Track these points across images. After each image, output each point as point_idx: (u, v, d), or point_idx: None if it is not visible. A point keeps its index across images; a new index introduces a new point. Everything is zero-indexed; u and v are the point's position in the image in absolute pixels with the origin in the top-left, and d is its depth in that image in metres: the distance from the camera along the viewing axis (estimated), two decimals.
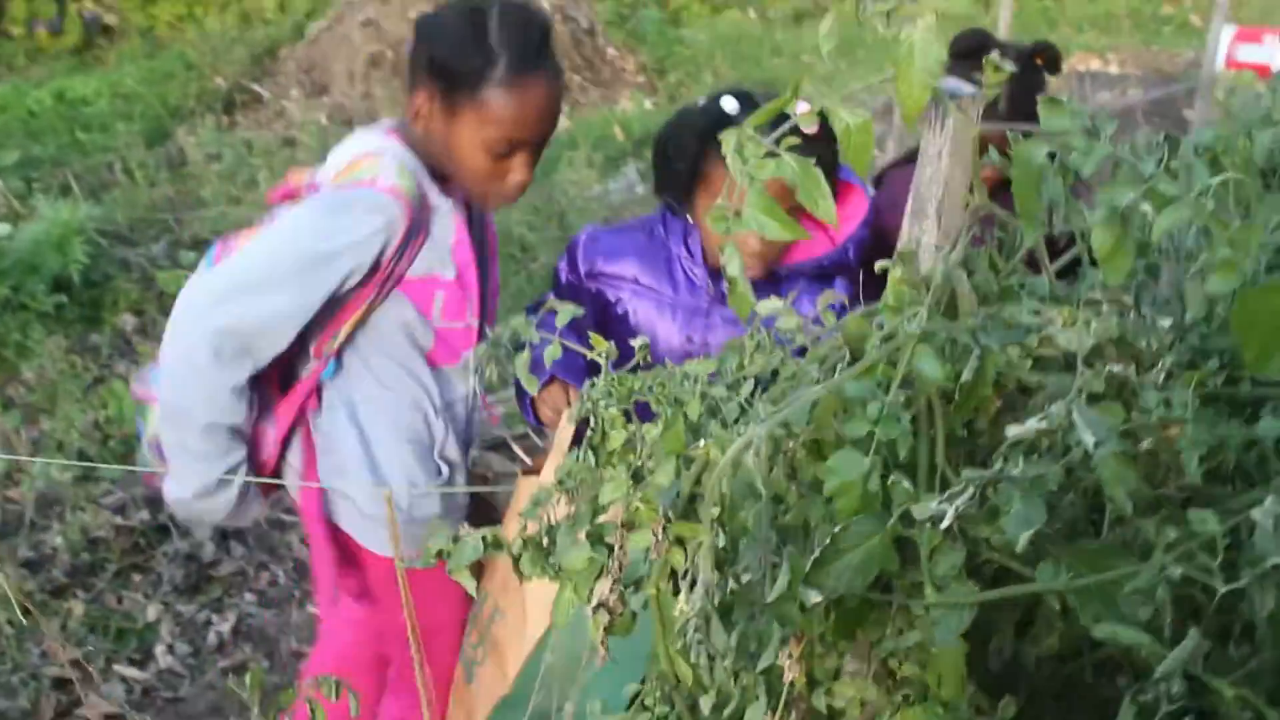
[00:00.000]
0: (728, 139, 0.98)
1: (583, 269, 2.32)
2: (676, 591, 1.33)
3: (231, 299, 1.80)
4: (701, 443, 1.20)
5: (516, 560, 1.43)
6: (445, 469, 2.04)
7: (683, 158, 2.18)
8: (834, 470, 1.07)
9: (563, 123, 7.57)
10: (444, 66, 1.87)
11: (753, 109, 2.14)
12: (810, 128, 0.94)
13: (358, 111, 7.02)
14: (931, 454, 1.11)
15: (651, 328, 2.28)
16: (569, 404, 1.98)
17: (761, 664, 1.05)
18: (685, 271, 2.28)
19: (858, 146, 0.99)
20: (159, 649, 3.35)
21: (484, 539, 1.39)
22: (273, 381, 1.97)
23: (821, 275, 2.30)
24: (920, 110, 0.93)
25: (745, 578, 1.03)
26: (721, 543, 1.08)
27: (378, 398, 1.99)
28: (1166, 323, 1.16)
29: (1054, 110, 1.05)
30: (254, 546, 3.78)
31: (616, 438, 1.15)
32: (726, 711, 1.12)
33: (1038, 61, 2.61)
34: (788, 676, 1.10)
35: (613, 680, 1.89)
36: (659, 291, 2.28)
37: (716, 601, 1.05)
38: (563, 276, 2.35)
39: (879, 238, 2.39)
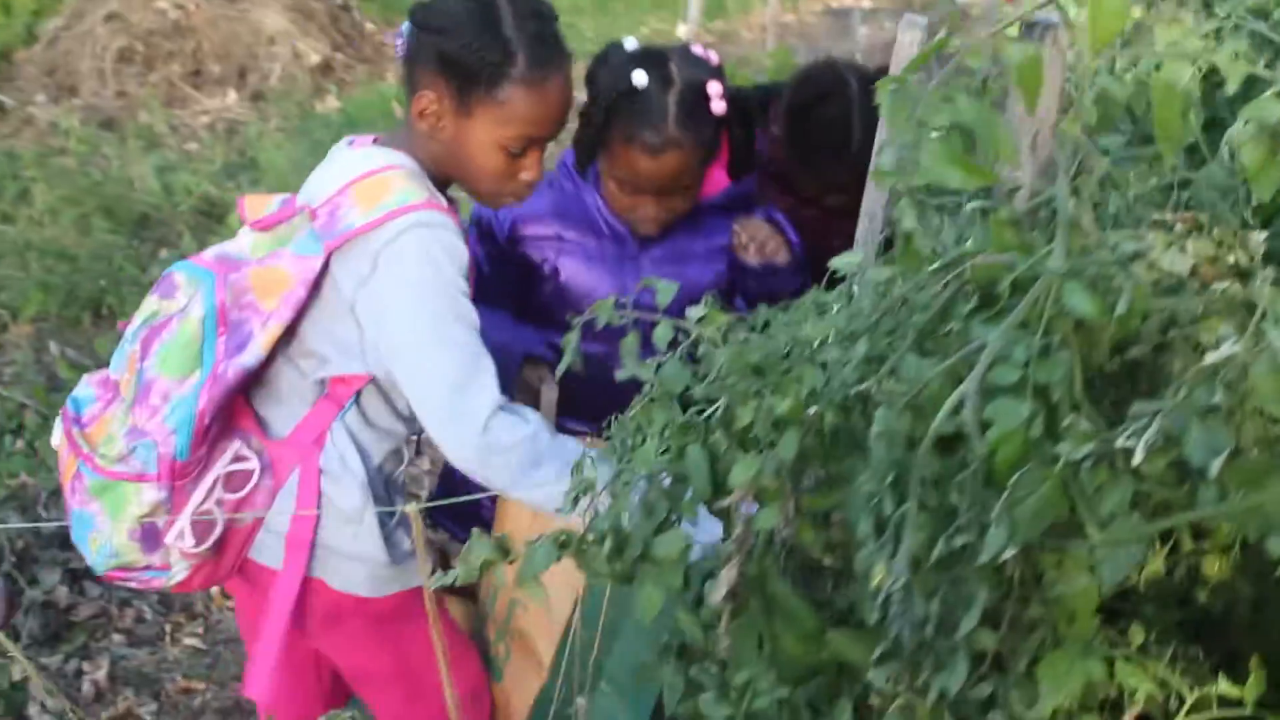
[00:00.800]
0: (884, 90, 0.92)
1: (501, 236, 2.29)
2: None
3: (460, 391, 1.71)
4: (812, 410, 1.15)
5: (581, 556, 1.35)
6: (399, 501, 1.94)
7: (590, 124, 2.20)
8: (994, 419, 1.04)
9: (332, 103, 7.32)
10: (456, 62, 1.76)
11: (662, 71, 2.14)
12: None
13: (113, 111, 6.59)
14: (1071, 393, 1.09)
15: (582, 281, 2.26)
16: (544, 379, 1.95)
17: (961, 630, 1.01)
18: (606, 220, 2.27)
19: (1028, 79, 0.95)
20: (32, 710, 3.08)
21: (559, 541, 1.30)
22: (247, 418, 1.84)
23: (729, 207, 2.33)
24: (1111, 37, 0.90)
25: (956, 541, 0.98)
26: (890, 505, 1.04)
27: (369, 433, 1.88)
28: (1260, 235, 1.17)
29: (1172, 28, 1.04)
30: (109, 584, 3.52)
31: (746, 413, 1.08)
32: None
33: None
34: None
35: (639, 642, 1.87)
36: (584, 244, 2.27)
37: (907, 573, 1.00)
38: (474, 250, 2.25)
39: (780, 171, 2.40)
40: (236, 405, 1.81)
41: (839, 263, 1.23)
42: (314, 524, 1.82)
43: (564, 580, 2.10)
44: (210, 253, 1.83)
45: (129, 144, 5.82)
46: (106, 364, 1.89)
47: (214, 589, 3.36)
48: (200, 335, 1.70)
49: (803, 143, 2.40)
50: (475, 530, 1.41)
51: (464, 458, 1.71)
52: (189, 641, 3.37)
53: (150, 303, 1.79)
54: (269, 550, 1.87)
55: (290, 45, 7.33)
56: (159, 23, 7.07)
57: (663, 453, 1.32)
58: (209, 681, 3.21)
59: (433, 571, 2.01)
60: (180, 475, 1.72)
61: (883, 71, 2.32)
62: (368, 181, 1.77)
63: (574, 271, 2.26)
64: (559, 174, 2.32)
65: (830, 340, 1.14)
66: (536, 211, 2.27)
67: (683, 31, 7.76)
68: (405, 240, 1.72)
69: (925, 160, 0.93)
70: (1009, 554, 1.00)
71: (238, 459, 1.79)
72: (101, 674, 3.20)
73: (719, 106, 2.14)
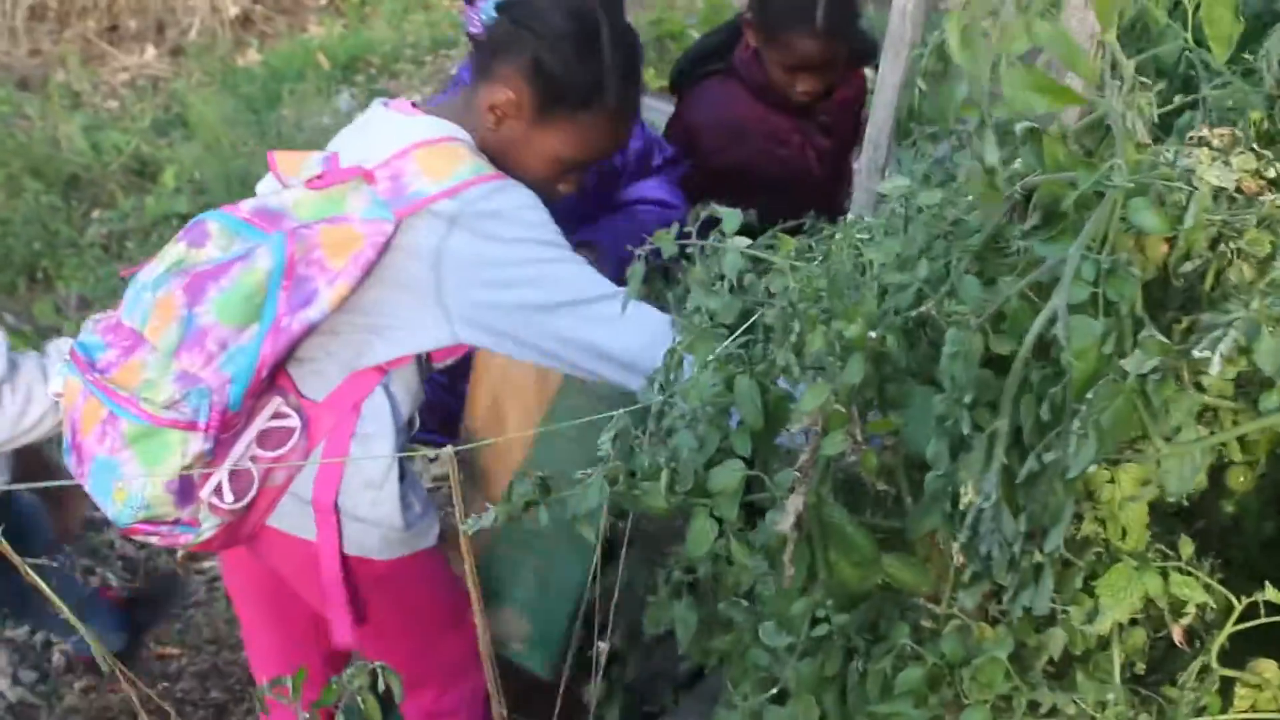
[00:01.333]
0: (954, 23, 0.91)
1: None
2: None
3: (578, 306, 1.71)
4: (873, 334, 1.15)
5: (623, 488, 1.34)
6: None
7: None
8: (1072, 334, 1.04)
9: (254, 56, 7.16)
10: (549, 75, 1.76)
11: None
12: None
13: (27, 70, 6.39)
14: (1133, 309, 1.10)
15: None
16: None
17: (1049, 544, 1.02)
18: None
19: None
20: (1, 684, 3.02)
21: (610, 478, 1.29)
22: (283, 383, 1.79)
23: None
24: None
25: (1046, 457, 0.99)
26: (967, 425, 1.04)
27: (404, 396, 1.86)
28: None
29: None
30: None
31: (815, 341, 1.07)
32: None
33: None
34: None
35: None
36: None
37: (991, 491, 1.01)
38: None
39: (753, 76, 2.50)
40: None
41: (888, 187, 1.22)
42: (337, 488, 1.80)
43: (521, 419, 2.25)
44: (248, 205, 1.76)
45: (53, 103, 5.65)
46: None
47: (179, 551, 3.32)
48: (265, 287, 1.65)
49: (770, 21, 2.54)
50: (517, 472, 1.40)
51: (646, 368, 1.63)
52: None
53: (175, 250, 1.73)
54: (289, 515, 1.84)
55: None
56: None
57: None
58: (183, 646, 3.17)
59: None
60: (228, 427, 1.67)
61: None
62: (432, 149, 1.74)
63: None
64: None
65: (887, 265, 1.14)
66: None
67: None
68: (499, 197, 1.72)
69: (1007, 87, 0.92)
70: (1093, 467, 1.01)
71: (278, 415, 1.74)
72: (70, 645, 3.14)
73: None
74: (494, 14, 1.81)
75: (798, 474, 1.17)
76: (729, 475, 1.24)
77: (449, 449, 1.41)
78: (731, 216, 1.23)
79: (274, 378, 1.75)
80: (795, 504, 1.16)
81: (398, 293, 1.75)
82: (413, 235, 1.71)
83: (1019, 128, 1.19)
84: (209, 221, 1.73)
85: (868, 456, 1.16)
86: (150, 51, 6.82)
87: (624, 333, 1.66)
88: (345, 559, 1.86)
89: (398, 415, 1.84)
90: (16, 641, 3.15)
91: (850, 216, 1.77)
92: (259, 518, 1.82)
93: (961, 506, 1.02)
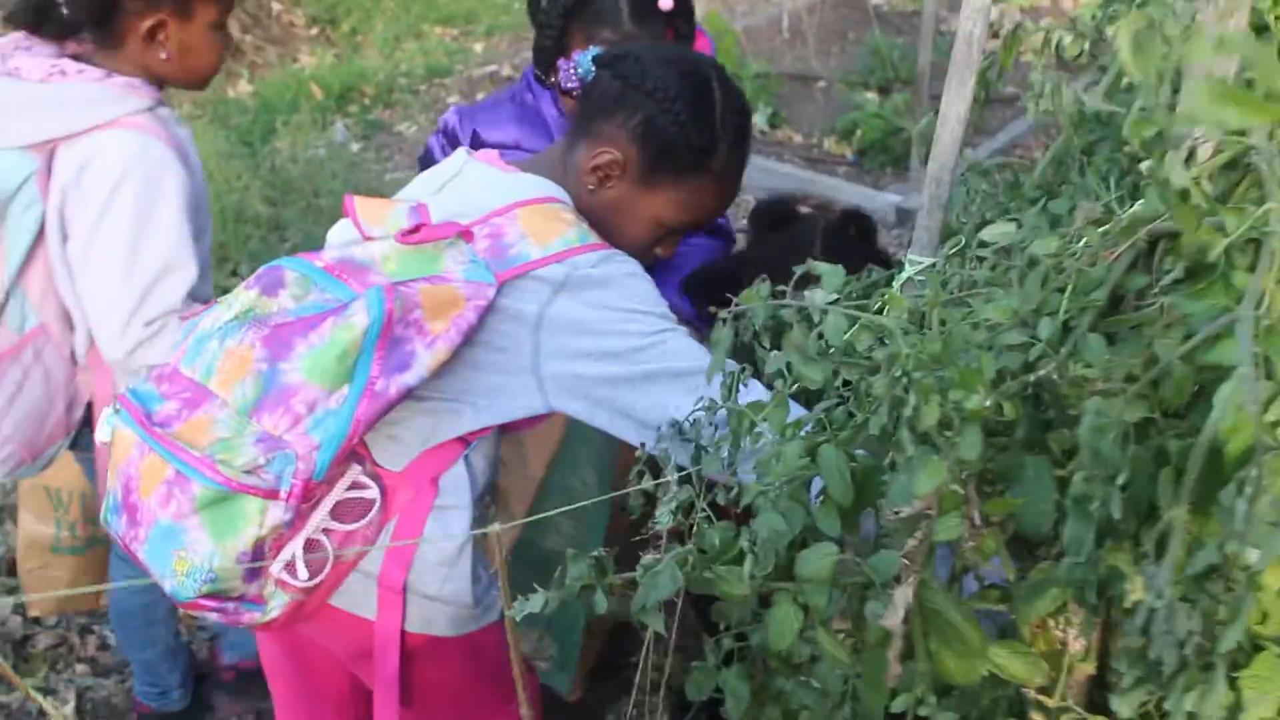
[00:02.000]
0: (1125, 28, 0.79)
1: (464, 141, 2.36)
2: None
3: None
4: (988, 402, 1.02)
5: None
6: None
7: (548, 33, 2.30)
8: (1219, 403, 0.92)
9: (245, 87, 7.03)
10: (660, 136, 1.66)
11: None
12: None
13: None
14: None
15: None
16: None
17: (1226, 644, 0.88)
18: (560, 134, 2.32)
19: None
20: None
21: (684, 566, 1.15)
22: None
23: None
24: None
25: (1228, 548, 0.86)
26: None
27: (482, 467, 1.73)
28: None
29: None
30: (67, 610, 3.29)
31: (930, 413, 0.94)
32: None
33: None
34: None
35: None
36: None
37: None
38: (435, 153, 2.38)
39: None
40: None
41: (992, 234, 1.10)
42: (409, 566, 1.65)
43: (540, 439, 2.27)
44: (331, 255, 1.60)
45: None
46: None
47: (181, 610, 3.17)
48: (360, 346, 1.48)
49: None
50: (570, 552, 1.27)
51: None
52: None
53: (245, 297, 1.57)
54: (351, 593, 1.68)
55: None
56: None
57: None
58: None
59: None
60: (309, 496, 1.51)
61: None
62: (535, 210, 1.63)
63: None
64: (521, 85, 2.42)
65: (1005, 324, 1.01)
66: (498, 120, 2.37)
67: None
68: (606, 266, 1.60)
69: (1190, 100, 0.80)
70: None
71: (356, 485, 1.58)
72: (69, 709, 2.99)
73: (667, 3, 2.25)
74: (593, 68, 1.72)
75: (905, 561, 1.04)
76: (821, 560, 1.10)
77: (496, 527, 1.27)
78: (832, 274, 1.10)
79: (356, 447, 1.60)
80: (904, 597, 1.03)
81: (491, 358, 1.60)
82: (514, 299, 1.58)
83: (1145, 166, 1.07)
84: (284, 269, 1.58)
85: (987, 541, 1.03)
86: None
87: None
88: (404, 637, 1.71)
89: (474, 487, 1.69)
90: (11, 707, 2.99)
91: (910, 255, 1.65)
92: (324, 595, 1.65)
93: (1127, 605, 0.88)
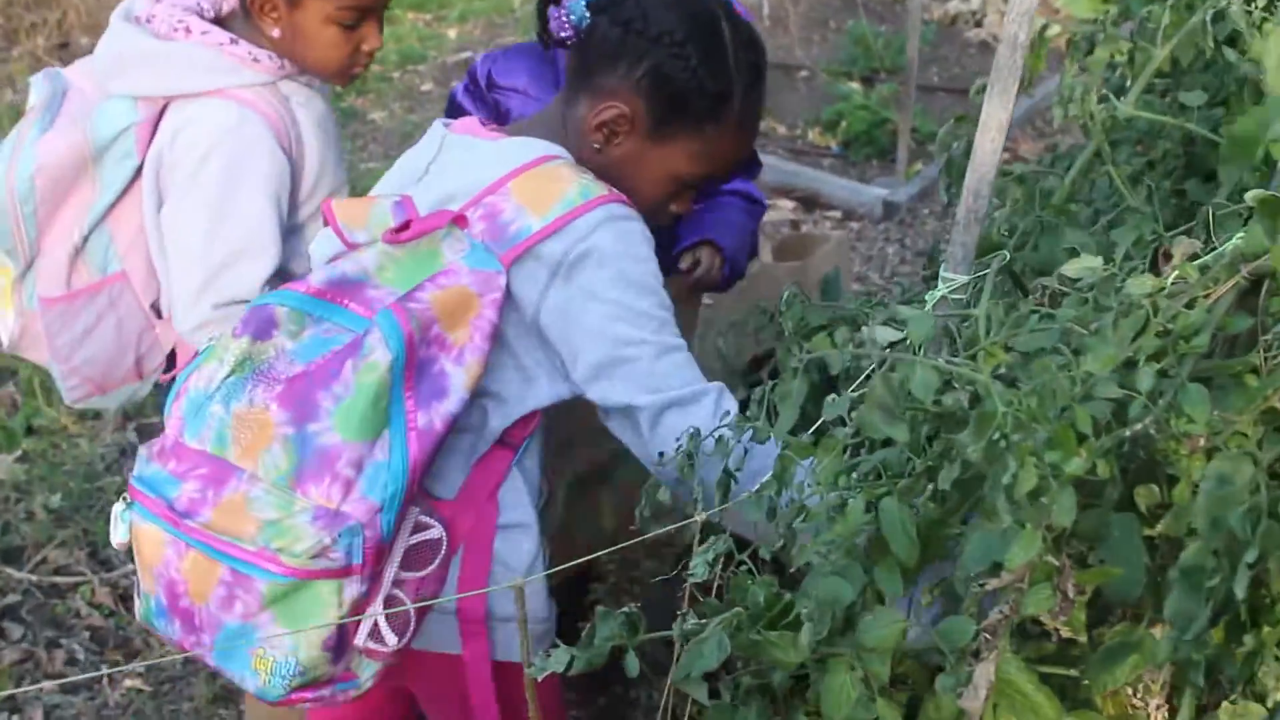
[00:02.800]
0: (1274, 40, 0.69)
1: (481, 82, 2.37)
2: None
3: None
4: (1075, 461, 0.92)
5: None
6: None
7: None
8: None
9: None
10: (670, 84, 1.53)
11: None
12: None
13: None
14: None
15: None
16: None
17: None
18: None
19: None
20: None
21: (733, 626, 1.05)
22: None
23: None
24: None
25: None
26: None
27: (536, 471, 1.62)
28: None
29: None
30: (34, 622, 3.16)
31: (1028, 478, 0.84)
32: None
33: None
34: None
35: None
36: (545, 102, 2.17)
37: None
38: (458, 96, 2.39)
39: None
40: None
41: (1074, 269, 0.99)
42: (485, 594, 1.53)
43: None
44: (319, 277, 1.46)
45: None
46: None
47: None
48: (389, 384, 1.35)
49: None
50: (600, 609, 1.17)
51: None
52: (130, 683, 3.03)
53: (236, 346, 1.42)
54: (431, 633, 1.55)
55: None
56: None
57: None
58: None
59: None
60: (382, 558, 1.38)
61: None
62: (529, 175, 1.50)
63: None
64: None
65: (1105, 376, 0.90)
66: (512, 65, 2.35)
67: None
68: (601, 235, 1.46)
69: None
70: None
71: (418, 528, 1.45)
72: None
73: None
74: (587, 14, 1.57)
75: (986, 636, 0.94)
76: (887, 628, 1.00)
77: (520, 580, 1.16)
78: (923, 322, 0.99)
79: None
80: (986, 675, 0.93)
81: (510, 352, 1.50)
82: (519, 284, 1.47)
83: (1250, 196, 0.97)
84: (273, 307, 1.44)
85: (1077, 615, 0.93)
86: None
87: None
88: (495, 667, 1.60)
89: (534, 492, 1.58)
90: None
91: (944, 272, 1.55)
92: (407, 645, 1.51)
93: (1269, 706, 0.78)
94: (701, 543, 1.07)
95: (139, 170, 1.98)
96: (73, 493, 3.49)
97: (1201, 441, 0.92)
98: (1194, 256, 0.97)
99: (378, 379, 1.35)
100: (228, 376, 1.40)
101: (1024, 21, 1.49)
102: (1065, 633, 1.00)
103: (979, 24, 6.66)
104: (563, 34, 1.61)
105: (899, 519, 1.02)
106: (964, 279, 1.50)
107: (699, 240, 2.33)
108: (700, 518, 1.19)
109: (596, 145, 1.58)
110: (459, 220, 1.47)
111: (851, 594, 1.03)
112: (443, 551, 1.47)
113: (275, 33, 1.96)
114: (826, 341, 0.99)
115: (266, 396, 1.37)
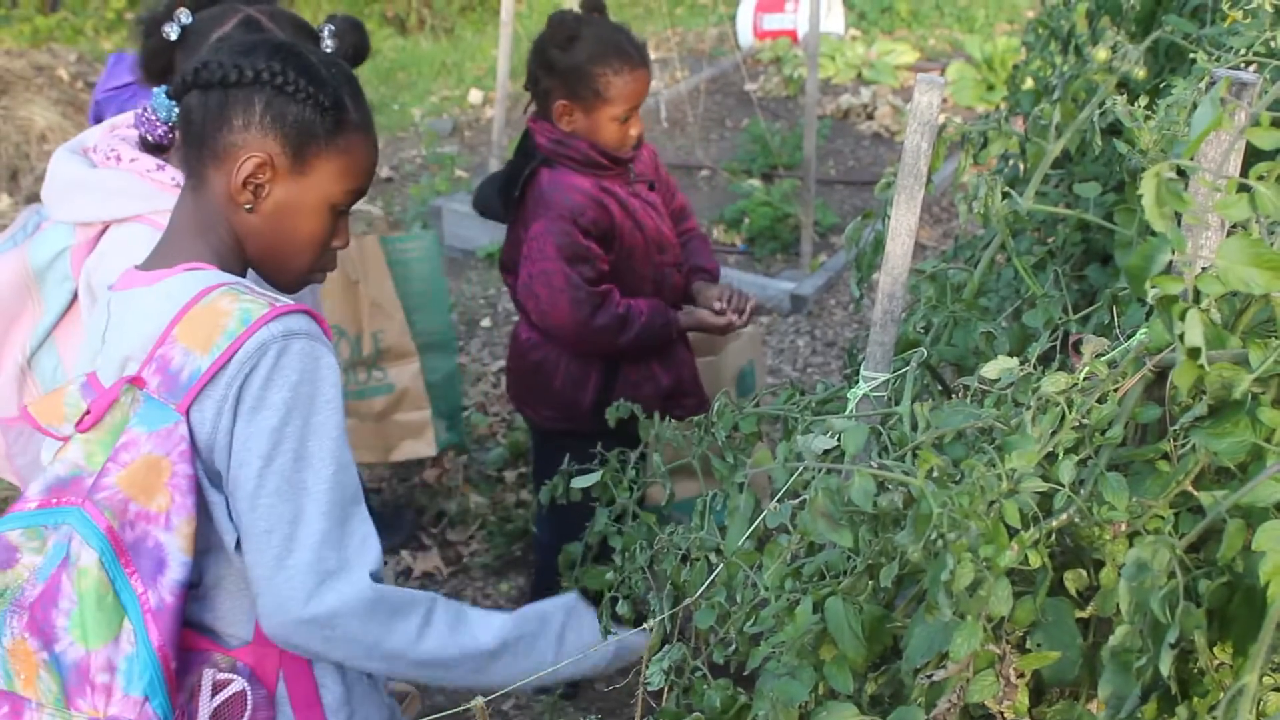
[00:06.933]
0: (1150, 180, 0.76)
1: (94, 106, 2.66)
2: None
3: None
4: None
5: None
6: None
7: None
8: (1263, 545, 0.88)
9: None
10: (293, 115, 1.56)
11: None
12: None
13: None
14: None
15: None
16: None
17: None
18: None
19: None
20: None
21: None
22: None
23: None
24: None
25: None
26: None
27: None
28: None
29: None
30: None
31: (965, 573, 0.89)
32: None
33: None
34: None
35: None
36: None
37: None
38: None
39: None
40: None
41: (993, 370, 1.06)
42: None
43: None
44: (35, 490, 1.46)
45: None
46: None
47: None
48: (108, 579, 1.37)
49: (585, 85, 2.68)
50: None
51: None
52: None
53: None
54: None
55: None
56: None
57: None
58: None
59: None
60: None
61: None
62: (190, 317, 1.47)
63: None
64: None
65: (1030, 472, 0.96)
66: (116, 70, 2.56)
67: (475, 98, 7.57)
68: (264, 361, 1.45)
69: (1220, 258, 0.77)
70: None
71: (219, 687, 1.47)
72: None
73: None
74: (173, 104, 1.60)
75: None
76: None
77: (480, 700, 1.19)
78: (856, 433, 1.04)
79: (183, 646, 1.47)
80: None
81: (214, 489, 1.48)
82: (199, 426, 1.46)
83: (1152, 294, 1.04)
84: (4, 534, 1.44)
85: (1020, 698, 0.98)
86: (4, 200, 6.46)
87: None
88: None
89: None
90: None
91: (864, 371, 1.61)
92: None
93: None
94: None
95: (77, 292, 2.02)
96: None
97: (1123, 526, 0.98)
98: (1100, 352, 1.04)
99: (94, 581, 1.37)
100: None
101: (925, 131, 1.58)
102: (1009, 716, 1.05)
103: (870, 117, 6.88)
104: (158, 134, 1.69)
105: (845, 619, 1.07)
106: (884, 376, 1.57)
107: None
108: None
109: (248, 205, 1.56)
110: (136, 382, 1.47)
111: (804, 693, 1.07)
112: (251, 698, 1.49)
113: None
114: (767, 455, 1.04)
115: (21, 627, 1.39)
